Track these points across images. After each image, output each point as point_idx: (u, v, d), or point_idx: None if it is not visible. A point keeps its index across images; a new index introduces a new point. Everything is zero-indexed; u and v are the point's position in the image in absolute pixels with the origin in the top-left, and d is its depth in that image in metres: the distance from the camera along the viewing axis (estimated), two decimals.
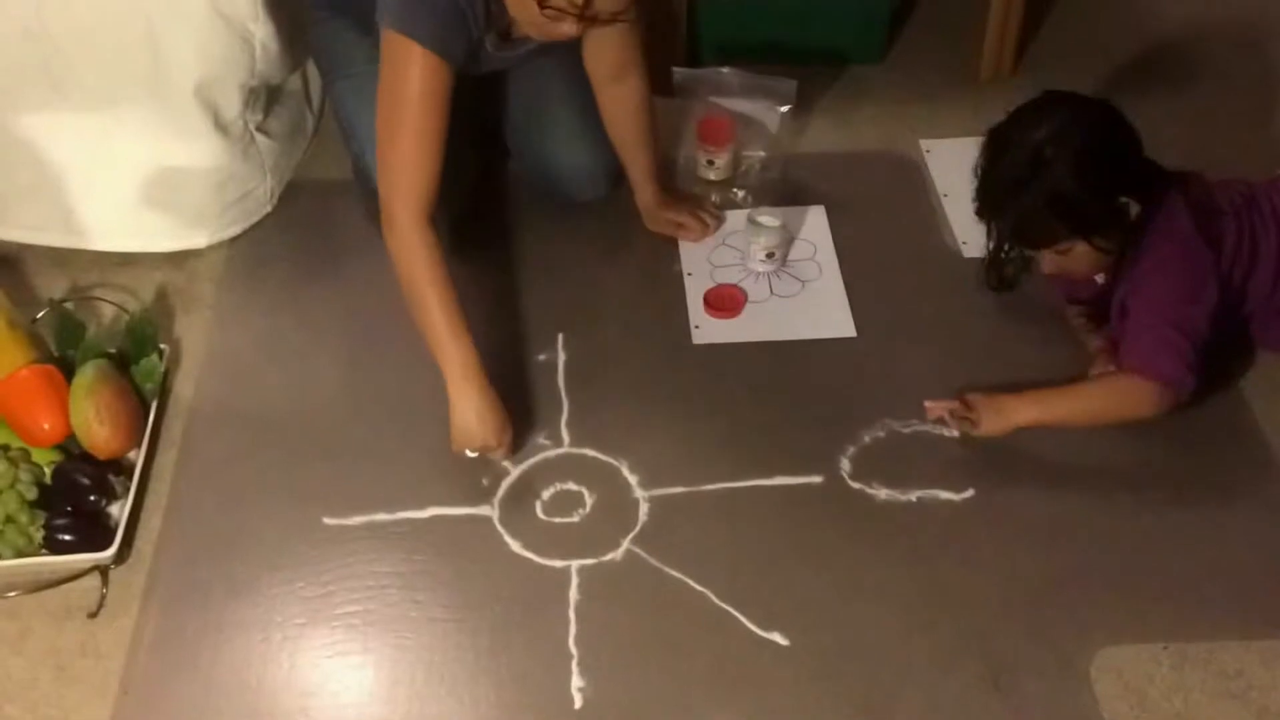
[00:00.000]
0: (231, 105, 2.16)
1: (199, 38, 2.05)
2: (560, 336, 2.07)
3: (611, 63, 2.09)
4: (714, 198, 2.32)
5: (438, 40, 1.76)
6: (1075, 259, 1.84)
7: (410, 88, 1.77)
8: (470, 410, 1.79)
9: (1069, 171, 1.74)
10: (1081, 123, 1.77)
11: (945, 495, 1.83)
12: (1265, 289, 1.87)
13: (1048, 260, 1.87)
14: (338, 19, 2.19)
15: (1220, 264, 1.83)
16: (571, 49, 2.08)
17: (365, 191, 2.23)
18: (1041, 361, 1.98)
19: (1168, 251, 1.80)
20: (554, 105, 2.21)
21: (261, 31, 2.10)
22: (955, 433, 1.89)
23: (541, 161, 2.26)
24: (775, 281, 2.16)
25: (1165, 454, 1.87)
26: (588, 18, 1.68)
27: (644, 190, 2.23)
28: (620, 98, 2.13)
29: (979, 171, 1.85)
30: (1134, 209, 1.79)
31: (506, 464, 1.88)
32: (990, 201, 1.85)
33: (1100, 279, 1.92)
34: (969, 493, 1.83)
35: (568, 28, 1.69)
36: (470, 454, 1.84)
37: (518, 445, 1.90)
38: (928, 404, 1.90)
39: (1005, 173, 1.80)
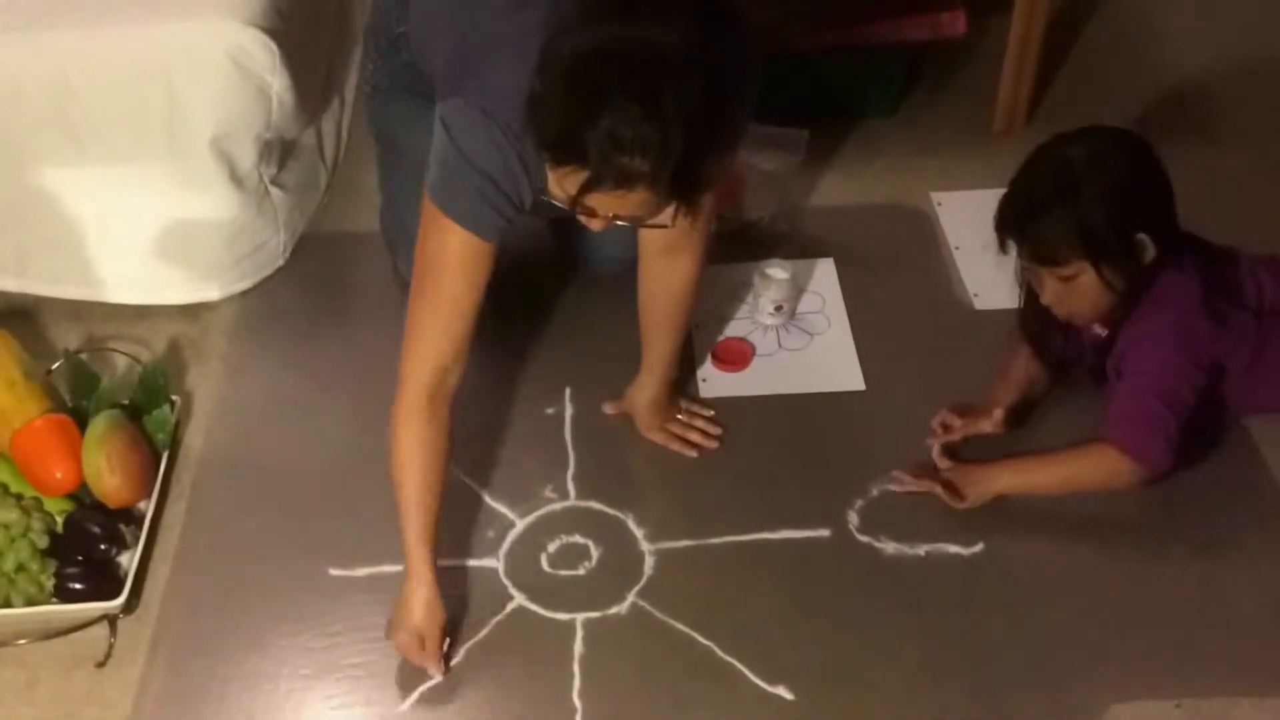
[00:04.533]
0: (247, 158, 2.18)
1: (216, 90, 2.07)
2: (568, 390, 2.08)
3: (667, 235, 1.72)
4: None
5: (470, 218, 1.64)
6: (1078, 291, 1.77)
7: (444, 259, 1.67)
8: (413, 611, 1.69)
9: (1095, 192, 1.71)
10: (1118, 150, 1.76)
11: (954, 549, 1.82)
12: (1248, 396, 1.89)
13: (1050, 289, 1.79)
14: (404, 99, 2.02)
15: (1216, 347, 1.80)
16: None
17: (401, 248, 2.15)
18: (1051, 414, 1.97)
19: (1171, 316, 1.77)
20: None
21: (279, 84, 2.12)
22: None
23: (579, 242, 2.19)
24: (784, 334, 2.16)
25: (1177, 508, 1.85)
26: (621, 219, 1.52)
27: (650, 382, 2.00)
28: (665, 272, 1.89)
29: (1009, 184, 1.81)
30: (1150, 252, 1.74)
31: (433, 672, 1.70)
32: (1011, 210, 1.79)
33: (1100, 331, 1.88)
34: (978, 547, 1.82)
35: (597, 225, 1.53)
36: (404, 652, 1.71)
37: (523, 501, 1.91)
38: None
39: (1032, 182, 1.77)
